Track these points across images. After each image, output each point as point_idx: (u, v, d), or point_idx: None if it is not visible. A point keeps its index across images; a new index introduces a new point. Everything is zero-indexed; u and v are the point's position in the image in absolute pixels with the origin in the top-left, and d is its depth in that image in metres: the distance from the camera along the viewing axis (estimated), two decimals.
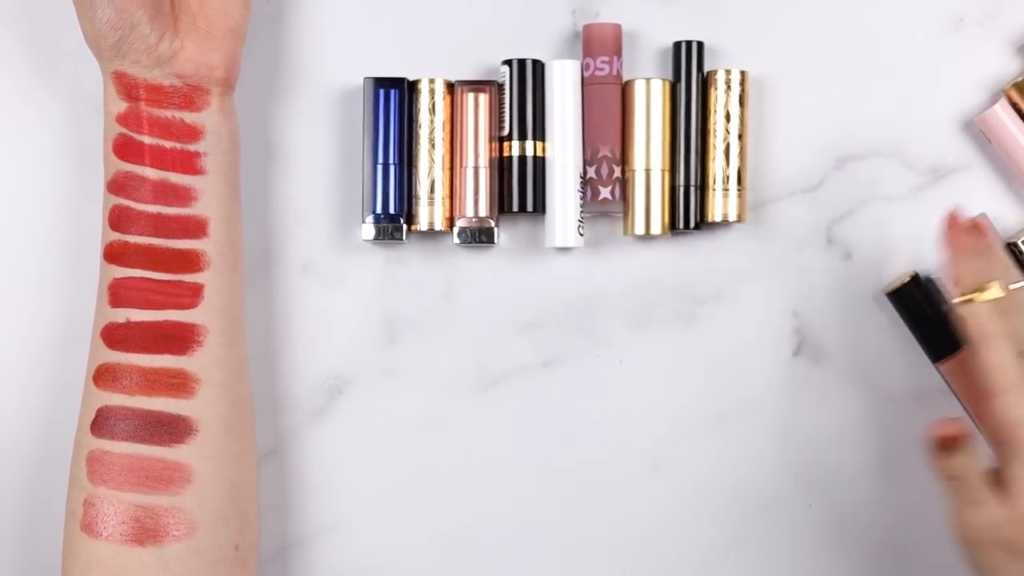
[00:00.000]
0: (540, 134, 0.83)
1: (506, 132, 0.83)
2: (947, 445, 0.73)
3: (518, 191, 0.83)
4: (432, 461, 0.84)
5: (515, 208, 0.82)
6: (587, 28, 0.83)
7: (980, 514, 0.72)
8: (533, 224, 0.85)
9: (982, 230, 0.77)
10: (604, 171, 0.83)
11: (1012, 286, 0.74)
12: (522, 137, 0.83)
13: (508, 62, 0.83)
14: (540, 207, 0.83)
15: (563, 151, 0.83)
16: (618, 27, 0.83)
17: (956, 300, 0.75)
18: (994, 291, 0.74)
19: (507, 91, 0.83)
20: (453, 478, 0.84)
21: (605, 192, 0.83)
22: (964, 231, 0.77)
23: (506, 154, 0.83)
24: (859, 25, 0.85)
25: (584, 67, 0.83)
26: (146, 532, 0.73)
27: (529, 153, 0.83)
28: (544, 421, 0.85)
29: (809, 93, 0.85)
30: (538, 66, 0.83)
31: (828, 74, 0.85)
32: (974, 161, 0.85)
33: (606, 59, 0.83)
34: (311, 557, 0.84)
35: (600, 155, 0.83)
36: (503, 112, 0.83)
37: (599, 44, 0.83)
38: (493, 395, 0.85)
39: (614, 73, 0.83)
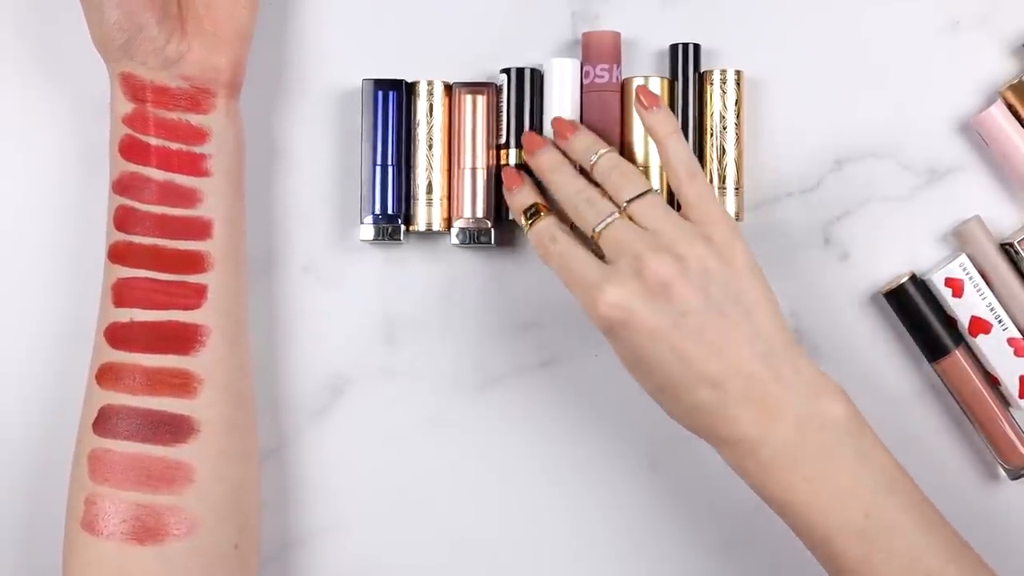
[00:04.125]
0: None
1: (503, 140, 0.83)
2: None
3: None
4: (432, 461, 0.85)
5: (511, 217, 0.83)
6: (586, 36, 0.84)
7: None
8: None
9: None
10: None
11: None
12: (520, 145, 0.83)
13: (507, 71, 0.83)
14: None
15: None
16: (617, 35, 0.84)
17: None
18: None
19: (505, 100, 0.83)
20: (453, 478, 0.85)
21: None
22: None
23: (504, 162, 0.83)
24: (857, 27, 0.86)
25: (584, 75, 0.83)
26: (147, 531, 0.73)
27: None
28: (543, 421, 0.85)
29: (807, 95, 0.85)
30: (536, 75, 0.83)
31: (826, 76, 0.85)
32: (970, 162, 0.86)
33: (605, 67, 0.83)
34: (311, 556, 0.84)
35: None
36: (501, 120, 0.83)
37: (598, 52, 0.83)
38: (492, 395, 0.85)
39: (613, 80, 0.83)
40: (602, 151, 0.78)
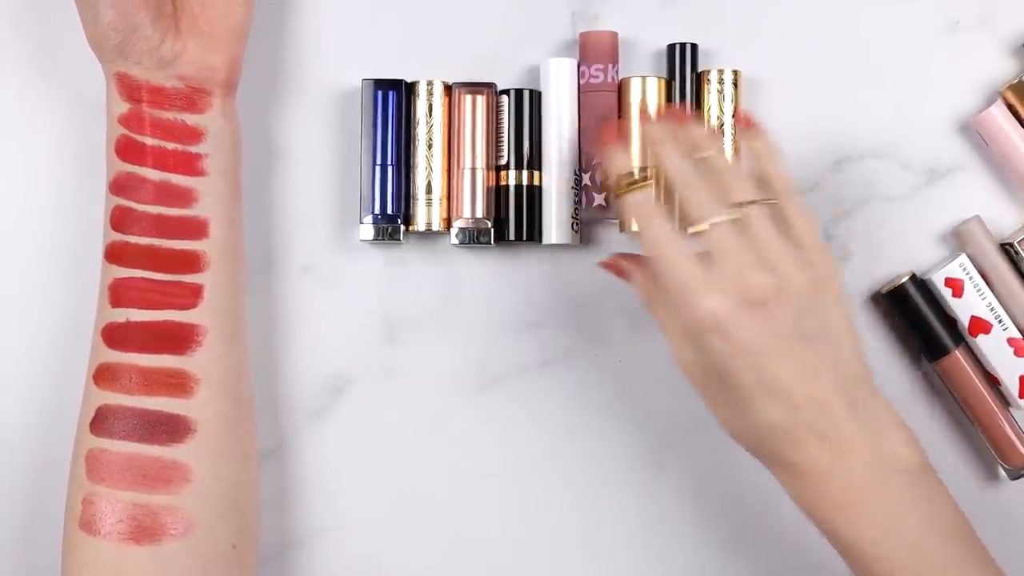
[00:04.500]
0: (538, 164, 0.83)
1: (504, 161, 0.83)
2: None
3: (515, 220, 0.83)
4: (432, 461, 0.85)
5: (512, 238, 0.83)
6: (583, 36, 0.84)
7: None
8: None
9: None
10: (598, 178, 0.83)
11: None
12: (519, 167, 0.83)
13: (506, 91, 0.83)
14: (538, 236, 0.83)
15: (559, 149, 0.83)
16: (613, 35, 0.84)
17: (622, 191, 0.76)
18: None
19: (505, 120, 0.83)
20: (453, 478, 0.85)
21: (599, 199, 0.83)
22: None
23: (503, 183, 0.83)
24: (857, 27, 0.86)
25: (580, 74, 0.84)
26: (144, 531, 0.73)
27: (526, 183, 0.83)
28: (544, 421, 0.85)
29: (807, 95, 0.85)
30: (535, 95, 0.83)
31: (826, 76, 0.85)
32: (970, 162, 0.85)
33: (600, 67, 0.83)
34: (311, 557, 0.84)
35: (594, 162, 0.83)
36: (501, 140, 0.83)
37: (594, 51, 0.83)
38: (493, 395, 0.85)
39: (609, 80, 0.83)
40: (717, 147, 0.76)
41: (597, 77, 0.83)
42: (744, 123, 0.78)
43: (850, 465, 0.71)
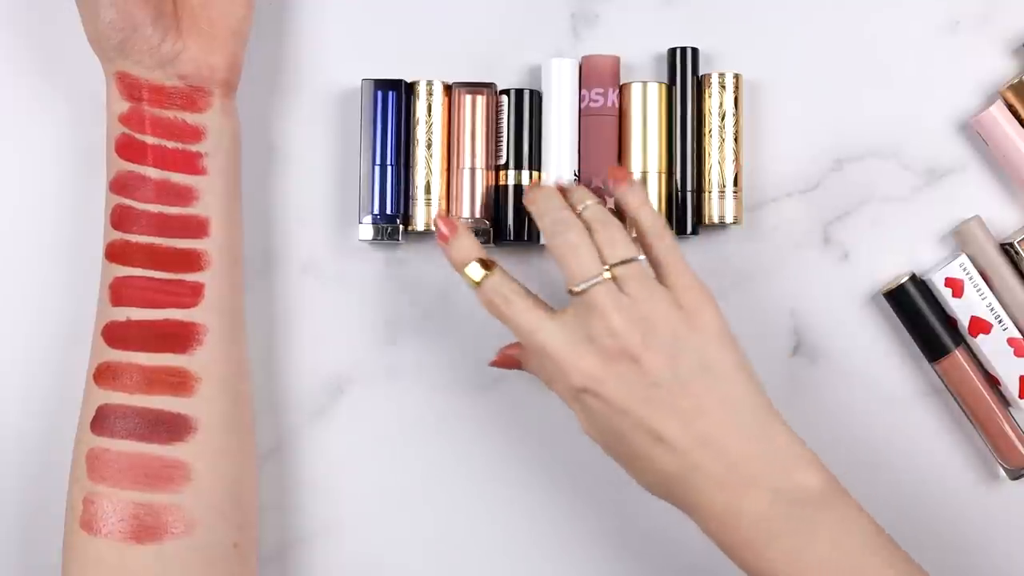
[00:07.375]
0: (537, 164, 0.83)
1: (503, 161, 0.83)
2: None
3: (515, 220, 0.83)
4: (432, 461, 0.85)
5: (511, 238, 0.83)
6: (585, 59, 0.84)
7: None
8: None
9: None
10: (603, 185, 0.83)
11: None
12: (518, 167, 0.83)
13: (506, 92, 0.83)
14: (537, 236, 0.83)
15: (559, 149, 0.83)
16: (616, 59, 0.83)
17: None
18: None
19: (505, 120, 0.83)
20: (453, 477, 0.85)
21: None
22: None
23: (502, 183, 0.83)
24: (857, 28, 0.86)
25: (580, 98, 0.83)
26: (145, 529, 0.73)
27: (526, 182, 0.83)
28: (544, 421, 0.85)
29: (807, 95, 0.85)
30: (535, 95, 0.83)
31: (826, 76, 0.86)
32: (970, 162, 0.86)
33: (601, 91, 0.83)
34: (311, 556, 0.84)
35: (593, 186, 0.83)
36: (500, 141, 0.83)
37: (595, 75, 0.83)
38: (493, 395, 0.85)
39: (609, 104, 0.83)
40: (592, 201, 0.77)
41: (597, 101, 0.83)
42: (616, 179, 0.78)
43: (752, 500, 0.71)
